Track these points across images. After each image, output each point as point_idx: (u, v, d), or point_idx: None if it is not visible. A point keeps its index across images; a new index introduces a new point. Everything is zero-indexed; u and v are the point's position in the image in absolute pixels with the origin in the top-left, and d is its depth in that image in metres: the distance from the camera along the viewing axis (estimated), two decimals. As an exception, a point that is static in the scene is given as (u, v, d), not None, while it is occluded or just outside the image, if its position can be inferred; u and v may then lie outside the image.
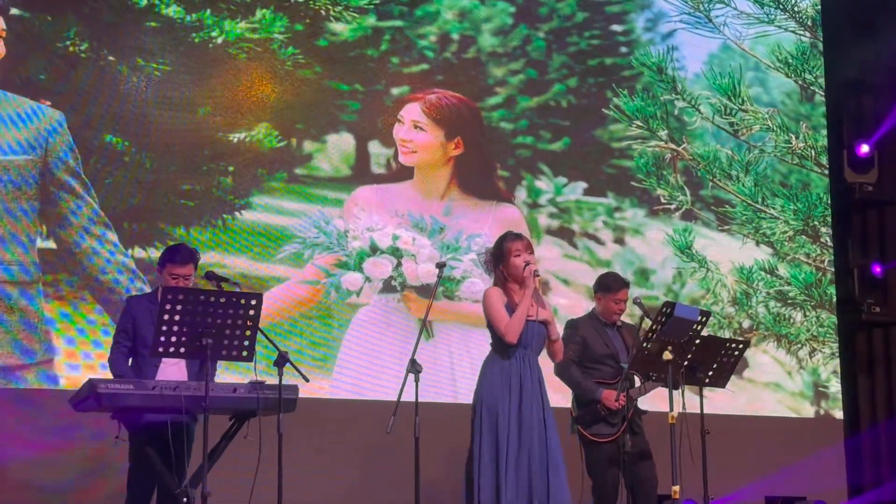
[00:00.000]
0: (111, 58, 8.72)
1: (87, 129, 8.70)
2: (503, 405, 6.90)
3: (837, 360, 10.84)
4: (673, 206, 10.12)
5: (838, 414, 10.79)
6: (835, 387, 10.82)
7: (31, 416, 8.22)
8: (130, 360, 6.94)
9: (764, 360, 10.48)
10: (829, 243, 10.74)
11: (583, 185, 9.61)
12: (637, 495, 7.82)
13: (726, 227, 10.37)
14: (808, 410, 10.67)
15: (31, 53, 8.64)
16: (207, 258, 8.35)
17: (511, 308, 6.95)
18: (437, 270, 7.47)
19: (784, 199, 10.56)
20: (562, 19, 9.44)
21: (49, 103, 8.61)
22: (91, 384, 6.44)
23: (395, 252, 9.07)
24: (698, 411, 7.63)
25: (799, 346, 10.62)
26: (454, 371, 9.32)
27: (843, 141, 11.06)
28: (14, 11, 8.66)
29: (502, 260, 7.02)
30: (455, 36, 9.04)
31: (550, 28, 9.39)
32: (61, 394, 8.06)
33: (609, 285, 8.06)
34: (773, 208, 10.49)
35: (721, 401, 9.48)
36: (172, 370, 6.83)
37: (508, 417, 6.90)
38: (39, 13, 8.68)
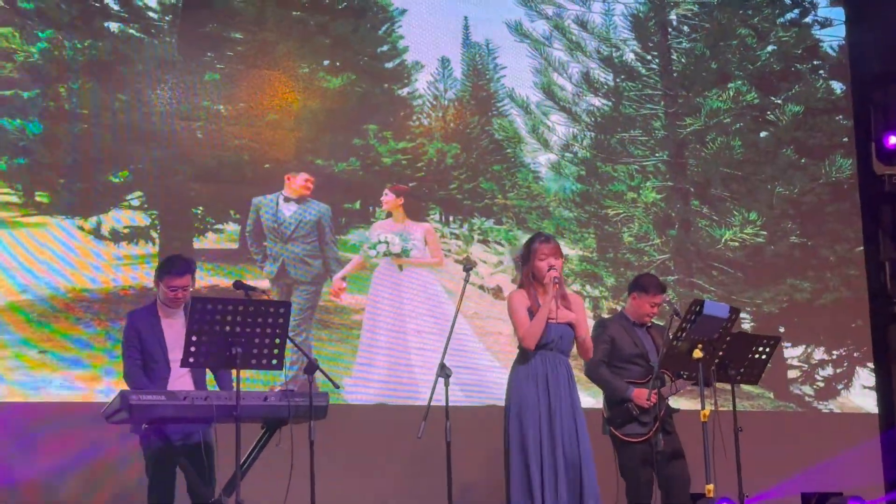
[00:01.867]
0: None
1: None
2: (532, 406, 6.91)
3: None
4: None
5: (873, 408, 10.68)
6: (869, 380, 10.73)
7: (58, 430, 8.19)
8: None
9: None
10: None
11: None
12: (669, 495, 7.76)
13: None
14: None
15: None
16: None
17: (533, 312, 6.96)
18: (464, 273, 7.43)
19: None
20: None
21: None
22: (123, 396, 6.43)
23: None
24: (730, 408, 7.56)
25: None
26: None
27: (870, 133, 10.95)
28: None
29: (528, 260, 7.08)
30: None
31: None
32: (82, 406, 8.05)
33: (646, 287, 8.01)
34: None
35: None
36: (181, 381, 6.81)
37: (539, 419, 6.90)
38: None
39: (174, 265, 6.94)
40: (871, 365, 10.96)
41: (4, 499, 7.91)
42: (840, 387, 10.95)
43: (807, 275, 10.99)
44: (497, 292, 9.91)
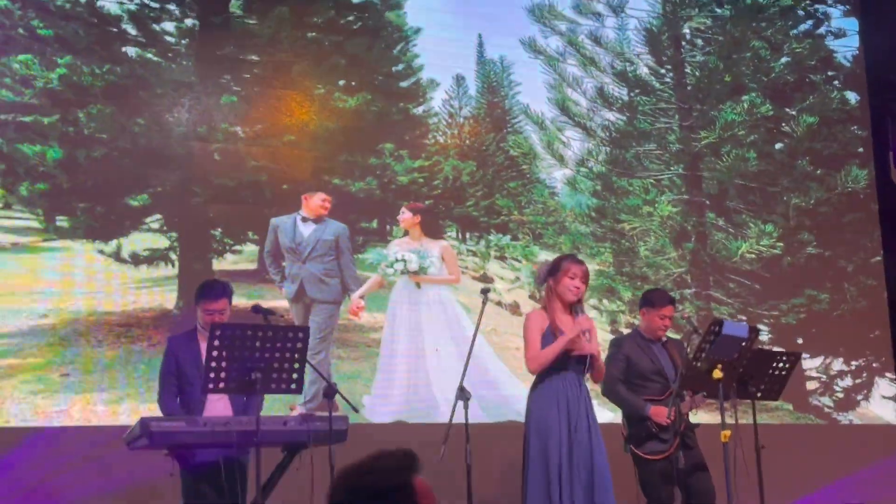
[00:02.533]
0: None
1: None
2: (554, 426, 6.93)
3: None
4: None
5: (893, 419, 10.62)
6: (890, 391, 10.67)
7: (85, 455, 8.18)
8: (179, 397, 6.94)
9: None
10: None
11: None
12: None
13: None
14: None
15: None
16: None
17: (552, 331, 7.00)
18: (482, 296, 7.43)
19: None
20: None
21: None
22: (143, 423, 6.40)
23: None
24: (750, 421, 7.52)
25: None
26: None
27: (887, 142, 10.89)
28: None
29: (555, 275, 7.11)
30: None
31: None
32: (114, 430, 8.05)
33: (653, 301, 7.96)
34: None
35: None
36: (218, 406, 6.83)
37: (560, 439, 6.89)
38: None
39: (210, 289, 6.99)
40: (890, 375, 10.89)
41: None
42: (859, 397, 10.89)
43: (824, 286, 10.94)
44: (514, 308, 9.88)
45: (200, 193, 9.06)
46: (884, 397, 10.88)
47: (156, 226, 8.94)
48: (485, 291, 7.31)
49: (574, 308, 7.15)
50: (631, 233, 10.41)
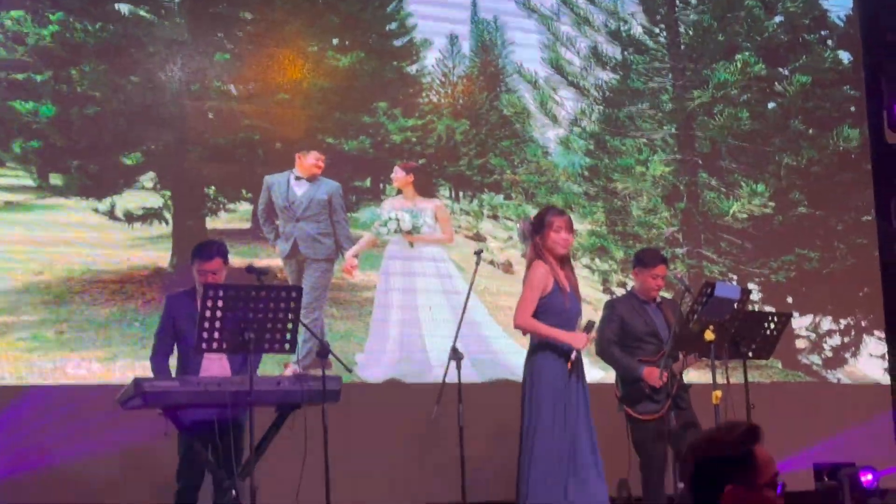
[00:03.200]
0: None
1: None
2: (563, 380, 6.85)
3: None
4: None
5: (881, 376, 10.61)
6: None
7: (80, 413, 8.11)
8: (175, 357, 6.91)
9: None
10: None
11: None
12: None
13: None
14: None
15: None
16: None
17: (559, 286, 6.90)
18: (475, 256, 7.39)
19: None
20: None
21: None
22: (137, 383, 6.38)
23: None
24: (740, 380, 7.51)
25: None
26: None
27: (882, 101, 10.82)
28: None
29: (541, 231, 6.99)
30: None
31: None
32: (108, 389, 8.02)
33: (645, 261, 7.89)
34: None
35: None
36: (215, 365, 6.80)
37: (577, 400, 6.87)
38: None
39: (205, 249, 6.95)
40: (878, 333, 10.87)
41: (28, 484, 7.87)
42: (848, 355, 10.88)
43: (815, 244, 10.89)
44: (507, 267, 9.83)
45: (194, 152, 8.98)
46: (872, 355, 10.87)
47: (149, 184, 8.85)
48: (478, 252, 7.30)
49: (564, 262, 7.06)
50: (623, 192, 10.35)
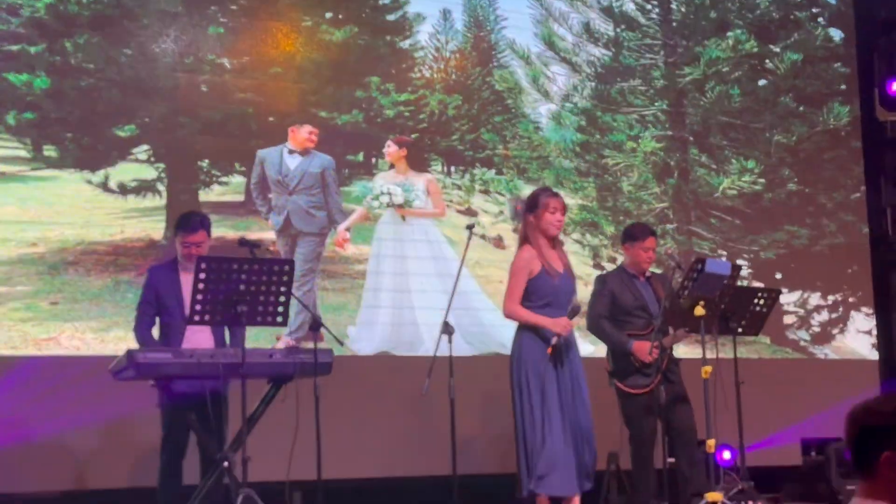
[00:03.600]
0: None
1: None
2: (544, 364, 6.88)
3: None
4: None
5: (868, 353, 10.63)
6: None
7: (73, 383, 8.08)
8: (157, 329, 6.89)
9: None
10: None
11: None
12: (675, 440, 7.72)
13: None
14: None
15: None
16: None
17: (546, 270, 6.95)
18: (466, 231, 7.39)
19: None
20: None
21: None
22: (130, 354, 6.36)
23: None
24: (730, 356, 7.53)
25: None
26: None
27: (873, 79, 10.80)
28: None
29: (534, 211, 7.03)
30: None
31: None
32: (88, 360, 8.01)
33: (635, 234, 7.89)
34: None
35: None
36: (199, 337, 6.77)
37: (557, 381, 6.90)
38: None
39: (187, 221, 6.89)
40: (866, 309, 10.89)
41: (20, 454, 7.88)
42: (835, 331, 10.91)
43: (804, 221, 10.91)
44: (498, 241, 9.83)
45: (187, 125, 8.95)
46: (859, 331, 10.90)
47: (143, 156, 8.82)
48: (470, 227, 7.30)
49: (555, 243, 7.12)
50: (614, 168, 10.34)
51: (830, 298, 10.90)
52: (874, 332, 10.72)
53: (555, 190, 7.46)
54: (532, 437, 6.81)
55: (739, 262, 10.25)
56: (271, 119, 9.20)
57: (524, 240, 7.11)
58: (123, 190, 8.70)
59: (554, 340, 6.84)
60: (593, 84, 10.39)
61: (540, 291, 6.99)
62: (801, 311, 10.82)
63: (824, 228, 10.91)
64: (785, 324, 10.65)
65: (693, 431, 7.74)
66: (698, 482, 7.78)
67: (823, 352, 10.77)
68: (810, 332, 10.78)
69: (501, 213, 9.88)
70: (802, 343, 10.73)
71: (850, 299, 10.93)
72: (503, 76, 10.15)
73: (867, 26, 10.86)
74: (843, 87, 11.18)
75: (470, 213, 9.75)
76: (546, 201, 7.04)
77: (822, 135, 11.04)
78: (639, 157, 10.36)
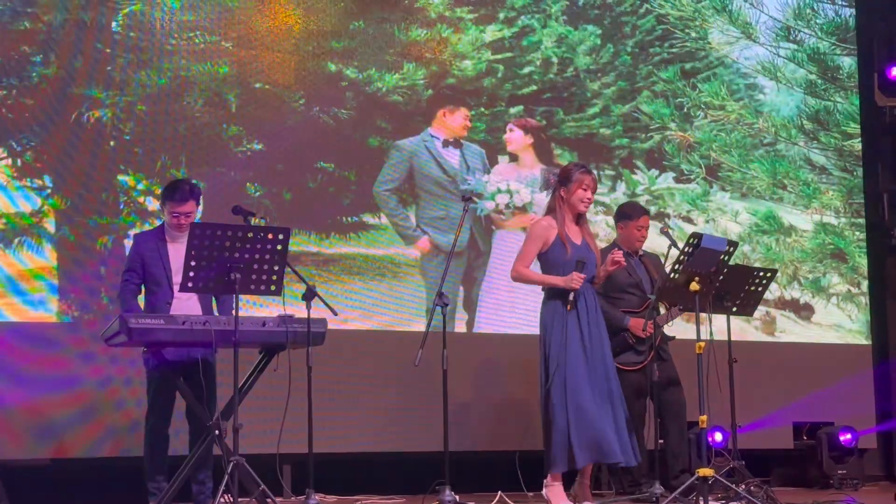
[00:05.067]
0: None
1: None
2: (570, 340, 6.82)
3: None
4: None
5: (862, 339, 10.46)
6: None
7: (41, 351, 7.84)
8: (142, 295, 6.73)
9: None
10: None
11: (672, 174, 9.87)
12: (665, 418, 7.63)
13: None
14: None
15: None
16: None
17: (560, 241, 6.89)
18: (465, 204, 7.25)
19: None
20: (644, 34, 9.86)
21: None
22: (123, 319, 6.24)
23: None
24: (726, 338, 7.38)
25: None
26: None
27: (873, 64, 10.63)
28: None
29: (566, 185, 6.97)
30: (555, 59, 9.43)
31: (634, 42, 9.83)
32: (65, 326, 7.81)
33: (629, 213, 7.95)
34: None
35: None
36: (186, 305, 6.61)
37: (577, 349, 6.84)
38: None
39: (177, 190, 6.70)
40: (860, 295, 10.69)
41: None
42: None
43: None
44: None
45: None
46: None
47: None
48: (466, 199, 7.19)
49: (581, 219, 7.07)
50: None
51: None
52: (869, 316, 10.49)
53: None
54: (562, 412, 6.73)
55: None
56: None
57: (549, 211, 7.06)
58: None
59: (571, 297, 6.79)
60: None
61: (551, 262, 6.95)
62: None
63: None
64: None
65: (683, 409, 7.75)
66: (685, 460, 7.77)
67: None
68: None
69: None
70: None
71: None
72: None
73: (867, 10, 10.67)
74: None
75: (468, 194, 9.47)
76: (580, 177, 6.96)
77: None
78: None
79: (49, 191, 7.88)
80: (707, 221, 9.93)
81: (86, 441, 7.83)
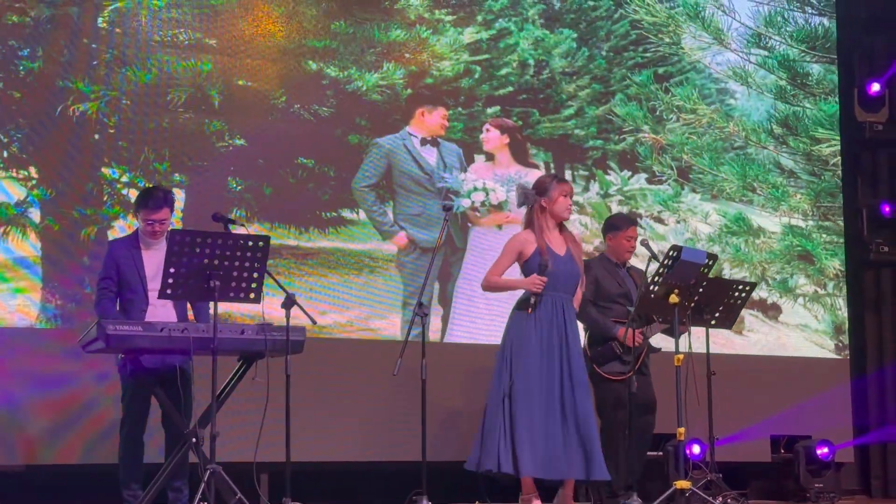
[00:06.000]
0: None
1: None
2: (527, 346, 6.59)
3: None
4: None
5: (845, 354, 10.17)
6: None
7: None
8: (118, 303, 6.41)
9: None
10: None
11: (644, 175, 9.68)
12: (633, 431, 7.31)
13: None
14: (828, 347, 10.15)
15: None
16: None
17: (539, 251, 6.67)
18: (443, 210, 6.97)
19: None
20: (619, 38, 9.68)
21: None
22: (101, 326, 5.94)
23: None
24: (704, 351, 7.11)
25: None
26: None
27: (854, 79, 10.35)
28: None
29: (546, 195, 6.75)
30: (531, 61, 9.31)
31: (609, 46, 9.67)
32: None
33: (618, 224, 7.68)
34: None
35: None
36: (161, 312, 6.31)
37: (539, 367, 6.58)
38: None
39: (151, 198, 6.38)
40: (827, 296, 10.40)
41: None
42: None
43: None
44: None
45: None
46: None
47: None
48: (447, 208, 6.95)
49: (562, 228, 6.86)
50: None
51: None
52: (846, 330, 10.20)
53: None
54: (496, 413, 6.51)
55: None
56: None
57: (527, 224, 6.83)
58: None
59: (533, 300, 6.58)
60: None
61: (529, 274, 6.72)
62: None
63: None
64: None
65: (649, 435, 7.51)
66: (635, 478, 7.39)
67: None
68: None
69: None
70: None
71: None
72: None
73: (850, 25, 10.35)
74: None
75: (447, 201, 9.15)
76: (561, 186, 6.79)
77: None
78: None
79: (34, 182, 7.72)
80: (678, 222, 9.73)
81: (60, 448, 7.51)
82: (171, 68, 8.13)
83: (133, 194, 7.68)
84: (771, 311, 10.01)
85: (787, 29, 10.29)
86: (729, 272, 9.66)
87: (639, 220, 9.36)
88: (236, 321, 7.51)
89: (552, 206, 6.73)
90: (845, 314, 10.16)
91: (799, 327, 10.10)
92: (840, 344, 10.17)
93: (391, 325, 8.45)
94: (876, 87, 10.15)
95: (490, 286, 6.82)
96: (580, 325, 6.99)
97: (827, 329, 10.17)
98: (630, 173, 9.60)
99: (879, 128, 10.22)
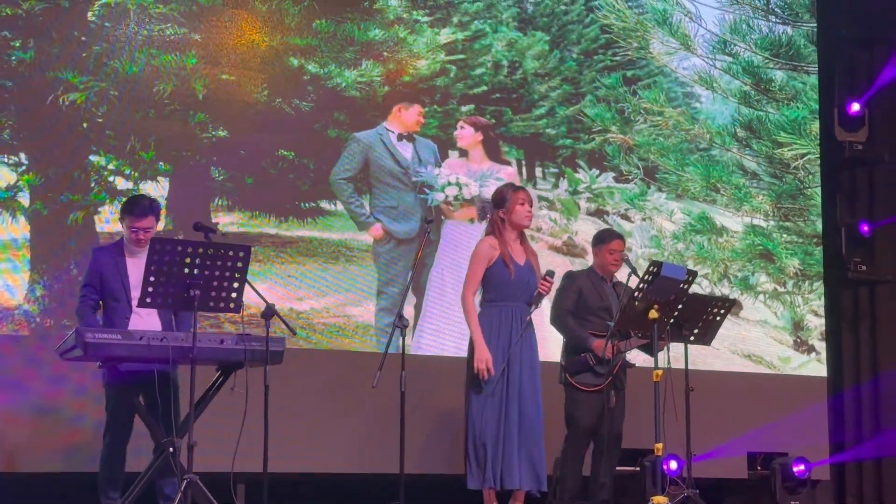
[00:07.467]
0: None
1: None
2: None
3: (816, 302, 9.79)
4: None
5: (822, 371, 9.70)
6: (818, 342, 9.77)
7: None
8: (100, 311, 5.93)
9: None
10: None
11: (612, 174, 9.28)
12: (601, 447, 6.82)
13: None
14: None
15: None
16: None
17: (503, 260, 6.34)
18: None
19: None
20: (589, 42, 9.28)
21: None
22: (79, 333, 5.45)
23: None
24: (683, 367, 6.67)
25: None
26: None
27: (834, 99, 9.78)
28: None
29: (503, 206, 6.42)
30: (505, 62, 8.94)
31: (580, 50, 9.27)
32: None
33: (602, 237, 7.19)
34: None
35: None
36: (145, 320, 5.82)
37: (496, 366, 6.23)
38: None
39: (136, 206, 5.90)
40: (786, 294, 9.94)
41: None
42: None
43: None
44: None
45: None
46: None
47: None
48: (428, 221, 6.64)
49: (522, 237, 6.54)
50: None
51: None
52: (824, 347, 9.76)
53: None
54: (481, 430, 6.18)
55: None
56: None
57: (489, 233, 6.50)
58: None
59: (475, 370, 6.21)
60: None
61: (493, 281, 6.39)
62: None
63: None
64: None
65: (619, 442, 6.97)
66: (608, 492, 6.90)
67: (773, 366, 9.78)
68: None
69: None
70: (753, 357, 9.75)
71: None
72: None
73: (829, 45, 9.84)
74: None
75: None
76: (515, 195, 6.44)
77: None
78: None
79: (24, 167, 7.40)
80: (644, 220, 9.33)
81: (37, 455, 7.01)
82: (157, 62, 7.80)
83: (119, 182, 7.47)
84: (733, 307, 9.52)
85: (752, 36, 9.84)
86: (693, 267, 9.16)
87: (605, 216, 8.99)
88: (219, 321, 7.13)
89: (510, 217, 6.41)
90: (804, 311, 9.71)
91: (759, 323, 9.70)
92: (798, 340, 9.76)
93: (366, 312, 8.08)
94: (856, 106, 9.59)
95: (465, 310, 6.40)
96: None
97: (786, 325, 9.75)
98: (598, 172, 9.19)
99: (859, 147, 9.67)
